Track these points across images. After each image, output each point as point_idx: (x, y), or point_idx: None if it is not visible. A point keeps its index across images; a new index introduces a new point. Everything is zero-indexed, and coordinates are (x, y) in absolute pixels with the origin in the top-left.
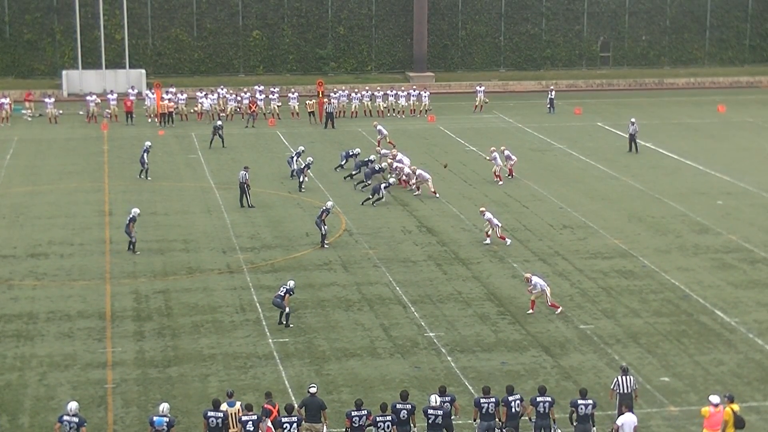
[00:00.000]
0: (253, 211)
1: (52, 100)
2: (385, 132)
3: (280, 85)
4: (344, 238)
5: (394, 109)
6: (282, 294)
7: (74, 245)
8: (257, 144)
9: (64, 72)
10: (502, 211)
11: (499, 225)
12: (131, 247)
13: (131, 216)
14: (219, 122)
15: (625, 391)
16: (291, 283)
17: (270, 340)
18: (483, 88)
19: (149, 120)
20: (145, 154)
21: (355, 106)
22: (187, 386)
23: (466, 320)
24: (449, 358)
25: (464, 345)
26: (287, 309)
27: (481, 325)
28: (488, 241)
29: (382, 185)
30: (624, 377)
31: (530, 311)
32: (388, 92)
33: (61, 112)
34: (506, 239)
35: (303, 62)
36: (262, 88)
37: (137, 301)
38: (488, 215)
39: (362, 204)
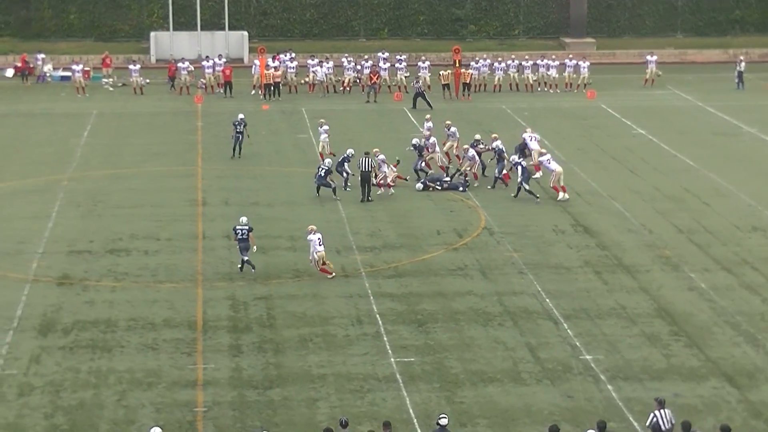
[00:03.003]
0: (373, 203)
1: (138, 67)
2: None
3: (408, 52)
4: (483, 237)
5: (545, 83)
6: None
7: (161, 240)
8: (379, 122)
9: (152, 34)
10: (677, 209)
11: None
12: (345, 185)
13: (346, 156)
14: (241, 116)
15: (664, 428)
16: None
17: (392, 360)
18: (655, 57)
19: (252, 92)
20: (347, 164)
21: (499, 78)
22: (292, 412)
23: (630, 341)
24: (609, 387)
25: (628, 371)
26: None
27: (650, 348)
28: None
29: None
30: (661, 411)
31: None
32: (539, 62)
33: (148, 81)
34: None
35: (436, 24)
36: (386, 55)
37: (234, 308)
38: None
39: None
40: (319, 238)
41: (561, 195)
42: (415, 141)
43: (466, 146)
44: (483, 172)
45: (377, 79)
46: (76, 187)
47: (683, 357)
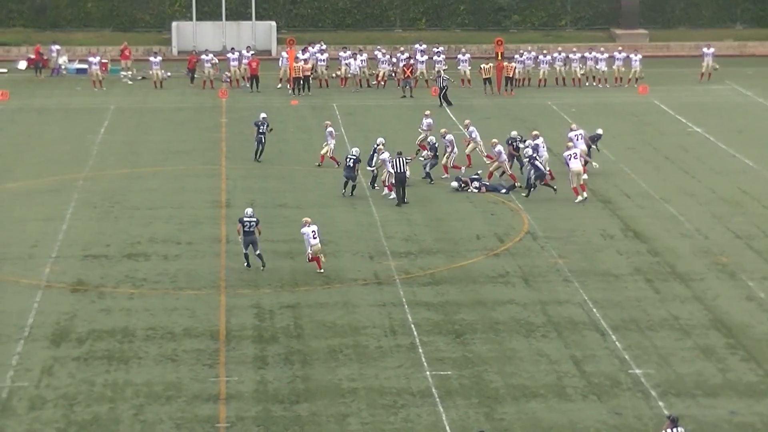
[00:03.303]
0: (409, 206)
1: (159, 59)
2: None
3: (447, 43)
4: (526, 242)
5: (594, 77)
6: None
7: (181, 244)
8: (415, 119)
9: (174, 24)
10: (735, 212)
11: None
12: (373, 183)
13: (355, 157)
14: (263, 115)
15: None
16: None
17: (427, 373)
18: (712, 50)
19: (278, 86)
20: (376, 156)
21: (544, 72)
22: (320, 428)
23: (683, 354)
24: (660, 403)
25: (681, 386)
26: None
27: (704, 362)
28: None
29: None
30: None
31: None
32: (587, 55)
33: (169, 74)
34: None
35: (477, 15)
36: (423, 47)
37: (259, 317)
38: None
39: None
40: (313, 231)
41: (578, 197)
42: (431, 139)
43: (494, 140)
44: (521, 170)
45: (411, 72)
46: (92, 187)
47: (740, 372)
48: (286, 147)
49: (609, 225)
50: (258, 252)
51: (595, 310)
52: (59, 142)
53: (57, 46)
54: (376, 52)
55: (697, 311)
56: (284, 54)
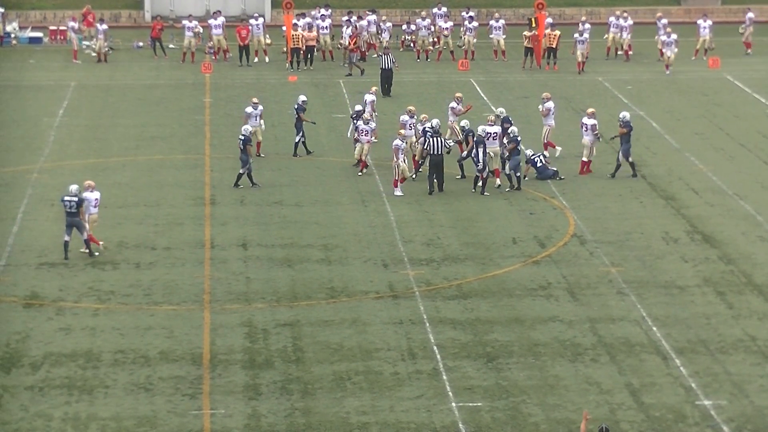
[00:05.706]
0: (432, 203)
1: (105, 26)
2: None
3: (478, 7)
4: (572, 247)
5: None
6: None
7: (157, 249)
8: (437, 98)
9: None
10: None
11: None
12: (250, 178)
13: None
14: (302, 98)
15: None
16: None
17: (453, 404)
18: None
19: (255, 59)
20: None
21: (579, 46)
22: None
23: (762, 382)
24: None
25: (759, 421)
26: None
27: None
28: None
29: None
30: None
31: None
32: (612, 20)
33: (140, 44)
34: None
35: None
36: (443, 10)
37: (250, 337)
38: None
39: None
40: (96, 199)
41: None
42: (464, 123)
43: (424, 116)
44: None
45: (354, 43)
46: (49, 181)
47: None
48: (283, 132)
49: (672, 226)
50: (85, 237)
51: (655, 329)
52: (9, 126)
53: (1, 9)
54: (375, 19)
55: None
56: (254, 21)
